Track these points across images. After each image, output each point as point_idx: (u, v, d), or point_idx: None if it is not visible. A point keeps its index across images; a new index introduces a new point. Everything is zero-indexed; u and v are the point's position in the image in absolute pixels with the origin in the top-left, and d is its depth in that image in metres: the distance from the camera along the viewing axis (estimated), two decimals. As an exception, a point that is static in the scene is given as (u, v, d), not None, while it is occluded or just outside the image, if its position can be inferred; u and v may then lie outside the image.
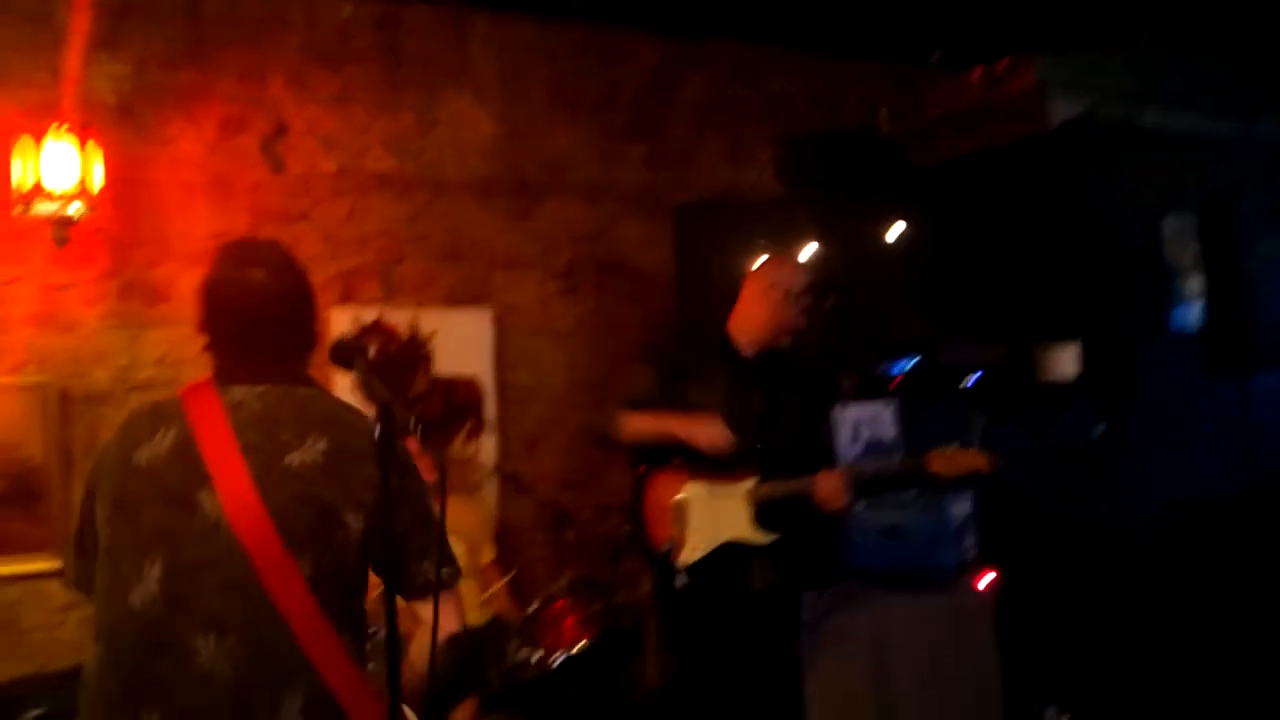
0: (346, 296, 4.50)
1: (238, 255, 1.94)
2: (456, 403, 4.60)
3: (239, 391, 1.80)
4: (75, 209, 3.71)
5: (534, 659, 3.36)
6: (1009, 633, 3.10)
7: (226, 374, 1.85)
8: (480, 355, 4.66)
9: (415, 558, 1.83)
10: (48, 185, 3.64)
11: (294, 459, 1.72)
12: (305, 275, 1.99)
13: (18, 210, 3.67)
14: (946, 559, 3.31)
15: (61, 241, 3.73)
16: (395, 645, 1.57)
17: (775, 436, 3.14)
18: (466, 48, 4.79)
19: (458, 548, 3.93)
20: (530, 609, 3.57)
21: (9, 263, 3.91)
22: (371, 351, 4.45)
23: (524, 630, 3.53)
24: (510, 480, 4.41)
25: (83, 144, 3.69)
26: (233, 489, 1.67)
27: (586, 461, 4.92)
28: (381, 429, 1.60)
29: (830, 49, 5.45)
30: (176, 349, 4.21)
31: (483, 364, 4.66)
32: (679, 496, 3.04)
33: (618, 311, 4.99)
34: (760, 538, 3.05)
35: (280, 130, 4.47)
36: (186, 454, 1.72)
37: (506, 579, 3.56)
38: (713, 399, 3.06)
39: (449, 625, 1.84)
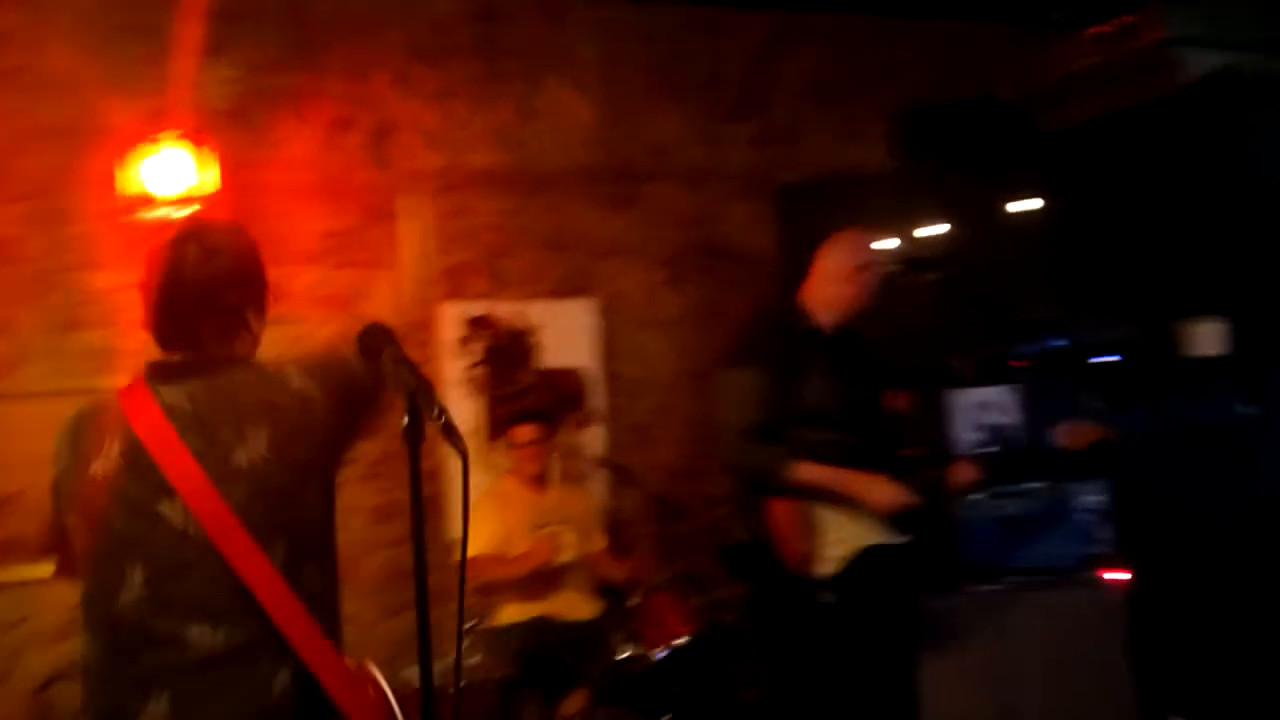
0: (454, 292, 4.53)
1: (187, 234, 1.90)
2: (563, 394, 4.59)
3: (169, 393, 1.77)
4: (181, 215, 3.82)
5: (635, 653, 3.31)
6: (1140, 632, 2.86)
7: (156, 371, 1.82)
8: (586, 346, 4.62)
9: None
10: (160, 191, 3.76)
11: (239, 458, 1.72)
12: (245, 257, 1.96)
13: (126, 216, 3.81)
14: (1072, 553, 3.08)
15: (173, 247, 3.85)
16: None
17: (879, 425, 2.99)
18: (565, 36, 4.74)
19: (568, 536, 3.96)
20: (632, 602, 3.53)
21: (132, 266, 4.06)
22: (480, 346, 4.49)
23: (625, 623, 3.49)
24: (615, 471, 4.36)
25: (197, 149, 3.79)
26: (196, 498, 1.69)
27: (697, 453, 4.83)
28: (409, 418, 1.64)
29: (944, 13, 5.18)
30: (294, 347, 4.30)
31: (589, 355, 4.62)
32: (807, 509, 2.83)
33: (725, 299, 4.86)
34: (896, 539, 2.89)
35: (385, 129, 4.52)
36: (139, 465, 1.73)
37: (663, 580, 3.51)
38: (825, 398, 2.90)
39: None
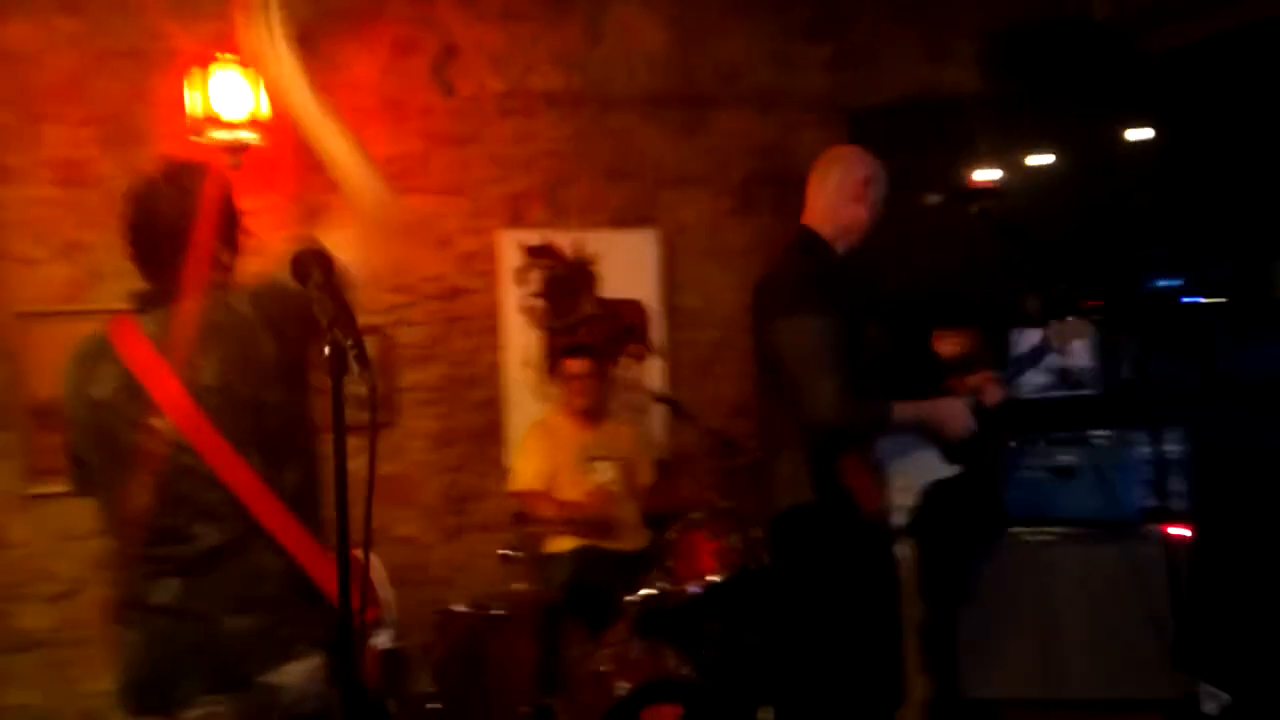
0: (514, 220, 4.48)
1: (162, 174, 2.06)
2: (622, 326, 4.53)
3: (149, 322, 1.97)
4: (249, 136, 3.85)
5: (668, 588, 3.28)
6: (1194, 592, 2.67)
7: (138, 301, 2.01)
8: (647, 278, 4.53)
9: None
10: (224, 113, 3.79)
11: (206, 377, 1.92)
12: (215, 197, 2.05)
13: (194, 138, 3.85)
14: (1125, 506, 2.90)
15: (236, 167, 3.89)
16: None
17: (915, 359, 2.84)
18: (632, -47, 4.57)
19: (613, 471, 3.93)
20: (668, 536, 3.49)
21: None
22: (537, 276, 4.45)
23: (660, 557, 3.46)
24: (669, 406, 4.29)
25: (250, 73, 3.80)
26: (179, 414, 1.90)
27: (758, 387, 4.74)
28: (330, 347, 1.68)
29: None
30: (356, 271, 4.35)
31: (649, 287, 4.53)
32: (877, 457, 2.67)
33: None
34: (951, 472, 2.75)
35: (449, 52, 4.46)
36: (130, 388, 1.93)
37: (701, 515, 3.45)
38: (880, 334, 2.75)
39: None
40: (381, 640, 2.22)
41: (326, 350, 1.66)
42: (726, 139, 4.67)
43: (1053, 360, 3.44)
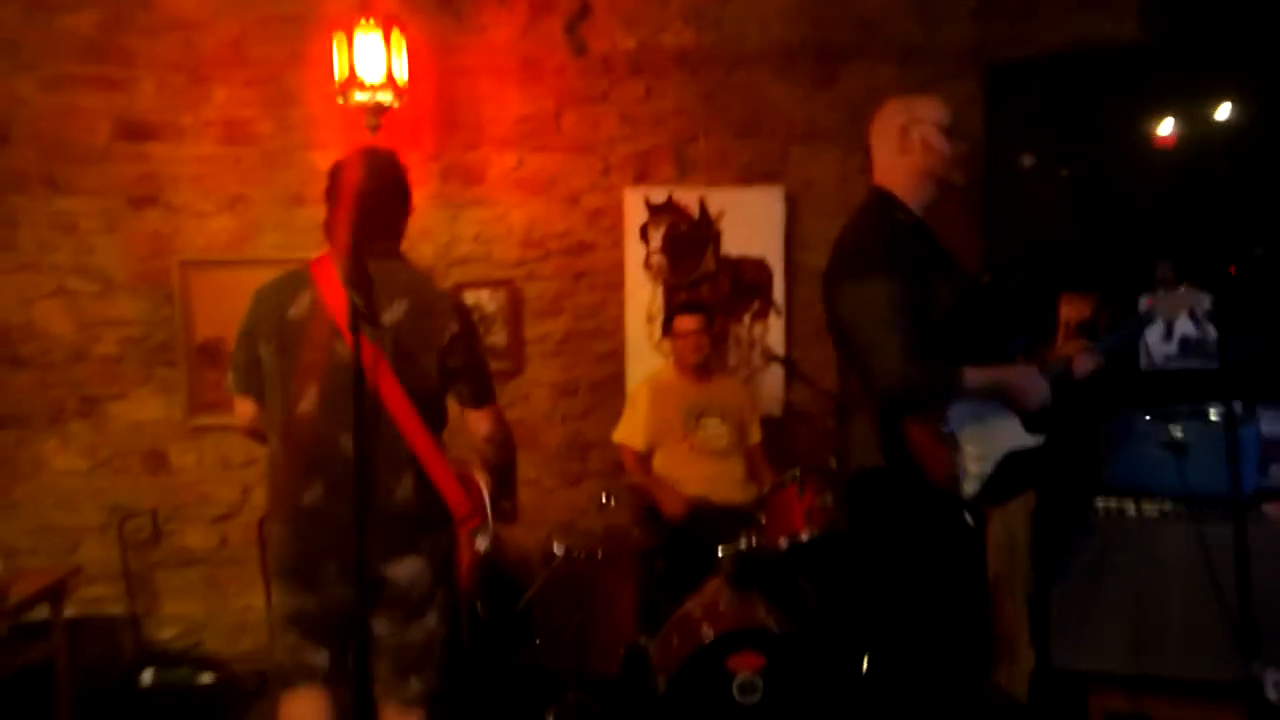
0: (641, 177, 4.54)
1: (358, 158, 2.54)
2: (744, 283, 4.53)
3: (343, 267, 2.34)
4: (386, 97, 4.06)
5: (758, 544, 3.30)
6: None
7: (339, 249, 2.43)
8: (771, 235, 4.50)
9: (462, 382, 2.53)
10: (365, 75, 4.00)
11: (387, 318, 2.36)
12: (403, 180, 2.59)
13: (339, 100, 4.09)
14: (1243, 484, 2.70)
15: (374, 128, 4.12)
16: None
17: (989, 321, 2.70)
18: (766, -99, 4.50)
19: (721, 428, 3.97)
20: (761, 493, 3.51)
21: (347, 147, 4.37)
22: (660, 232, 4.50)
23: (755, 512, 3.49)
24: (783, 365, 4.27)
25: (387, 37, 3.99)
26: (356, 339, 2.17)
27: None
28: (351, 309, 2.07)
29: None
30: (489, 228, 4.54)
31: (773, 244, 4.51)
32: (947, 425, 2.61)
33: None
34: (1033, 441, 2.66)
35: (584, 10, 4.54)
36: (321, 314, 2.41)
37: (795, 473, 3.46)
38: (955, 296, 2.65)
39: (480, 427, 2.58)
40: (481, 544, 2.49)
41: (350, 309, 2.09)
42: (860, 93, 4.54)
43: (1182, 330, 3.25)
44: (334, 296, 2.36)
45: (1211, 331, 3.09)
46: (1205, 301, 2.58)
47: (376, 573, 2.36)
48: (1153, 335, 3.25)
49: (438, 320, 2.42)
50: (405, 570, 2.41)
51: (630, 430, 4.09)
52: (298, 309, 2.42)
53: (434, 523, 2.44)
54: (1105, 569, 2.77)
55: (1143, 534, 2.76)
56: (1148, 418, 2.81)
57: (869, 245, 2.62)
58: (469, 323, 2.52)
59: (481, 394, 2.55)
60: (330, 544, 2.34)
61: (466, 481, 2.49)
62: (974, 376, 2.53)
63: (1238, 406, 2.96)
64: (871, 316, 2.50)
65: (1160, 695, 2.64)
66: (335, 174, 2.50)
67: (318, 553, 2.38)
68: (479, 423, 2.56)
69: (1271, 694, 1.96)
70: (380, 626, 2.43)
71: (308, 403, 2.38)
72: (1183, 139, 5.28)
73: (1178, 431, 2.72)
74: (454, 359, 2.45)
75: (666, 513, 3.84)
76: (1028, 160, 2.59)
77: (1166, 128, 5.67)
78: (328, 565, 2.37)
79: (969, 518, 2.50)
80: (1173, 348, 3.21)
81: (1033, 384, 2.58)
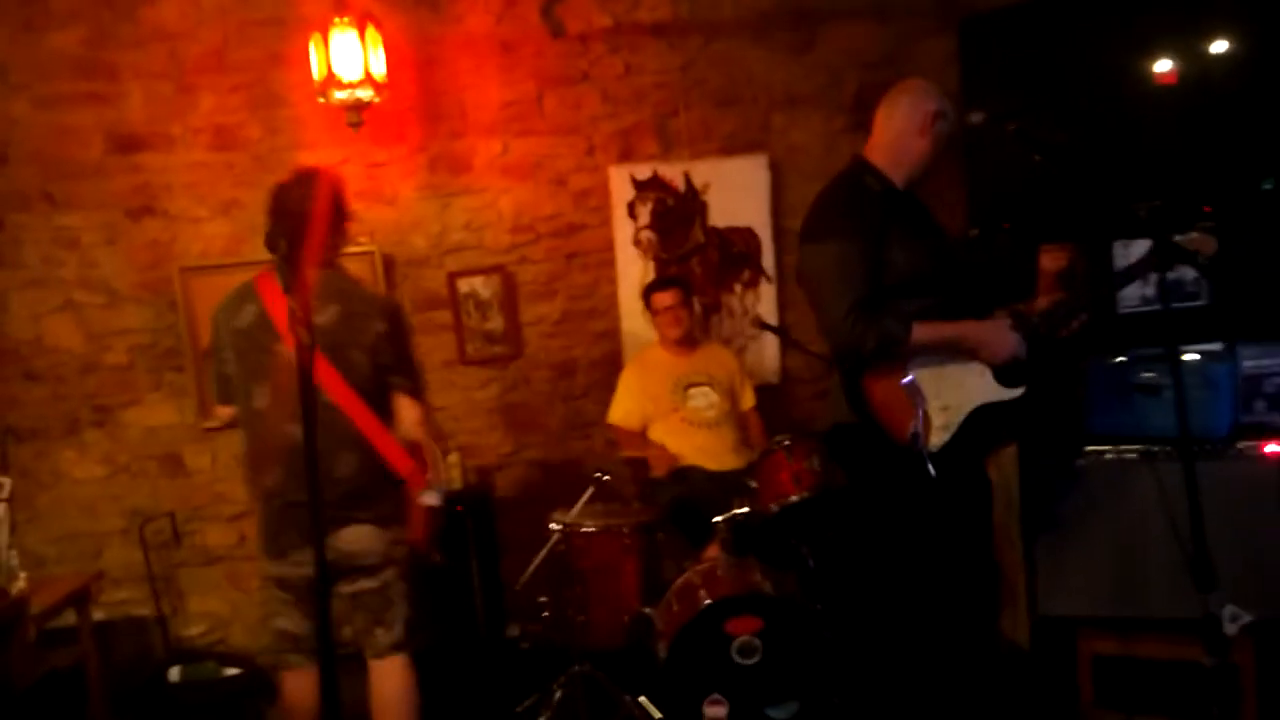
0: (625, 155, 4.57)
1: (294, 179, 2.81)
2: (734, 253, 4.56)
3: (283, 278, 2.74)
4: (365, 94, 4.11)
5: (749, 509, 3.36)
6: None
7: (278, 263, 2.81)
8: (758, 204, 4.53)
9: (393, 374, 2.84)
10: (341, 74, 4.06)
11: (319, 319, 2.61)
12: (337, 197, 2.82)
13: (320, 100, 4.15)
14: (1217, 423, 2.71)
15: (356, 125, 4.18)
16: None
17: (969, 282, 2.75)
18: None
19: (711, 397, 4.03)
20: (751, 459, 3.56)
21: (335, 145, 4.46)
22: (648, 209, 4.53)
23: (743, 480, 3.55)
24: (776, 333, 4.31)
25: (362, 34, 4.04)
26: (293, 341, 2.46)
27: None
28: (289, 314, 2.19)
29: None
30: (479, 215, 4.59)
31: (760, 213, 4.53)
32: (907, 379, 2.66)
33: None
34: (1007, 394, 2.70)
35: (558, -8, 4.56)
36: (264, 322, 2.75)
37: (782, 440, 3.52)
38: (918, 260, 2.69)
39: (413, 413, 2.85)
40: (428, 499, 2.79)
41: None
42: (839, 54, 4.55)
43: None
44: (275, 304, 2.72)
45: (1192, 271, 3.09)
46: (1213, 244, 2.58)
47: (328, 543, 2.50)
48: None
49: (366, 321, 2.76)
50: (354, 537, 2.76)
51: (623, 410, 4.16)
52: (242, 319, 2.78)
53: (378, 493, 2.78)
54: (1088, 515, 2.80)
55: (1123, 478, 2.78)
56: (1123, 360, 2.83)
57: (829, 210, 2.73)
58: (398, 323, 2.85)
59: (415, 388, 2.88)
60: (289, 520, 2.72)
61: (414, 450, 2.82)
62: (926, 332, 2.59)
63: (1216, 346, 2.98)
64: (823, 276, 2.63)
65: (1147, 636, 2.68)
66: (274, 194, 2.81)
67: (280, 528, 2.76)
68: (412, 410, 2.86)
69: (1230, 628, 1.99)
70: (344, 588, 2.80)
71: (262, 399, 2.74)
72: (1181, 75, 5.20)
73: (1151, 374, 2.73)
74: (383, 356, 2.78)
75: (655, 472, 3.93)
76: (975, 118, 2.60)
77: (1163, 65, 5.61)
78: (291, 538, 2.74)
79: (930, 469, 2.53)
80: (1150, 290, 3.21)
81: (997, 337, 2.62)
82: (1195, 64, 5.09)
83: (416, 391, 2.89)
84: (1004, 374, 2.64)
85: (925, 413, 2.62)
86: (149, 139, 4.45)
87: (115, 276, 4.48)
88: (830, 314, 2.69)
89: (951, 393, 2.66)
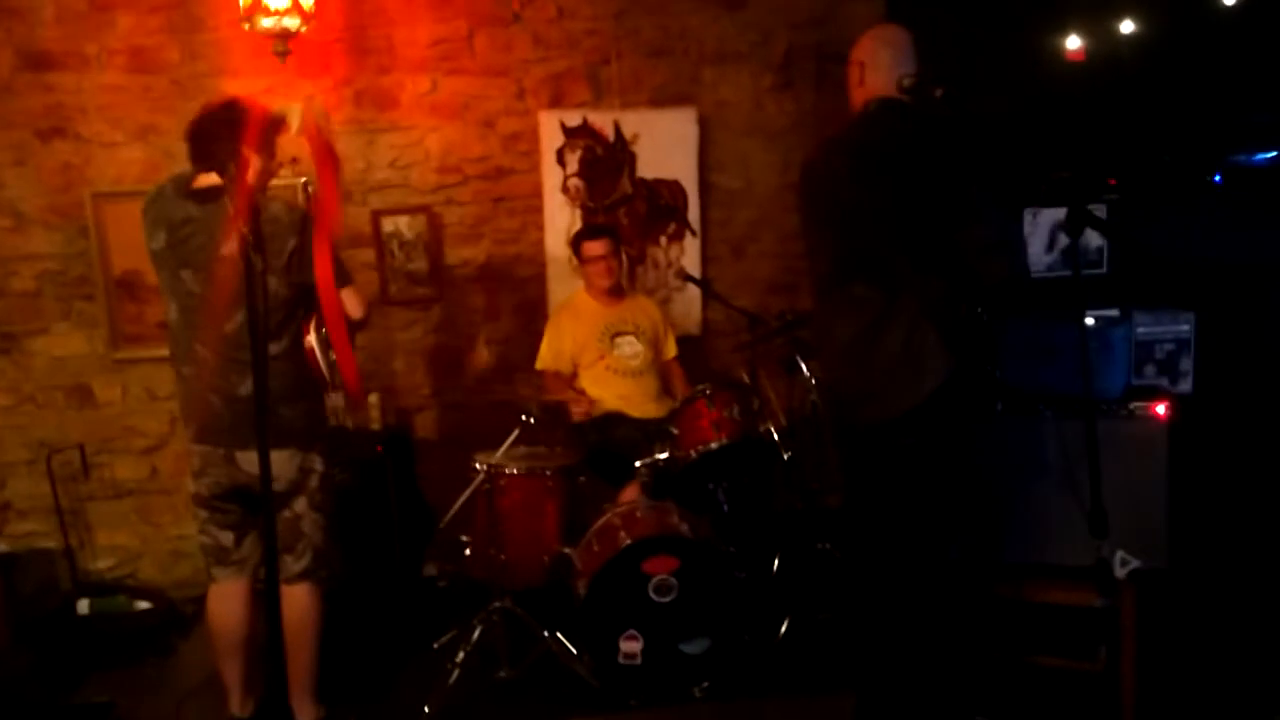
0: (556, 101, 4.57)
1: (210, 101, 2.91)
2: (660, 205, 4.62)
3: (191, 207, 2.84)
4: (293, 22, 4.02)
5: (669, 454, 3.46)
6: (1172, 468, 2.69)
7: (188, 190, 2.87)
8: (685, 157, 4.59)
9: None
10: (266, 1, 3.96)
11: (226, 250, 2.76)
12: (253, 117, 2.79)
13: (245, 26, 4.05)
14: (1112, 384, 2.90)
15: (282, 54, 4.09)
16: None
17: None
18: None
19: (636, 346, 4.10)
20: (672, 407, 3.66)
21: (258, 74, 4.36)
22: (576, 156, 4.55)
23: (664, 427, 3.65)
24: (699, 285, 4.40)
25: (293, -40, 3.94)
26: (202, 270, 2.80)
27: (797, 267, 4.79)
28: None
29: None
30: (405, 153, 4.55)
31: (687, 166, 4.59)
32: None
33: (841, 107, 4.62)
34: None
35: (493, -70, 4.50)
36: (173, 248, 2.85)
37: (705, 387, 3.60)
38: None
39: (350, 310, 2.91)
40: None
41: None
42: (770, 13, 4.61)
43: (1060, 238, 3.43)
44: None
45: (1096, 239, 3.26)
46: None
47: (238, 463, 2.88)
48: (1035, 246, 3.42)
49: (279, 243, 2.78)
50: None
51: (551, 355, 4.20)
52: (156, 244, 2.87)
53: (287, 419, 2.86)
54: (996, 469, 2.94)
55: (1018, 435, 2.95)
56: (1026, 324, 2.99)
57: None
58: (309, 231, 2.81)
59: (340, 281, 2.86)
60: (205, 408, 2.88)
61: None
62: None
63: (1113, 312, 3.16)
64: None
65: (1037, 580, 2.87)
66: (192, 123, 2.85)
67: (200, 413, 2.92)
68: (348, 302, 2.91)
69: (1119, 571, 2.16)
70: (257, 510, 2.94)
71: (173, 314, 2.91)
72: (1089, 53, 5.44)
73: (1051, 336, 2.90)
74: (299, 274, 2.81)
75: (574, 417, 3.99)
76: (907, 80, 2.68)
77: (1073, 43, 5.82)
78: (204, 453, 2.92)
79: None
80: (1054, 257, 3.39)
81: None
82: (1105, 43, 5.32)
83: (347, 283, 2.94)
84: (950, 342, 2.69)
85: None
86: (61, 58, 4.28)
87: (22, 200, 4.32)
88: None
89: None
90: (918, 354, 2.57)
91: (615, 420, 4.02)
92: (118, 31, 4.30)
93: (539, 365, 4.25)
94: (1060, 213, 3.05)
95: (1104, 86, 4.76)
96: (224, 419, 2.86)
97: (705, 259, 4.67)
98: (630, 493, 3.71)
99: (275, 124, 2.82)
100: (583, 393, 4.08)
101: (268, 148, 2.90)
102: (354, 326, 2.97)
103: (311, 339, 2.92)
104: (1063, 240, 3.32)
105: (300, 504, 2.97)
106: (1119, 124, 4.09)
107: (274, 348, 2.83)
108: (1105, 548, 2.22)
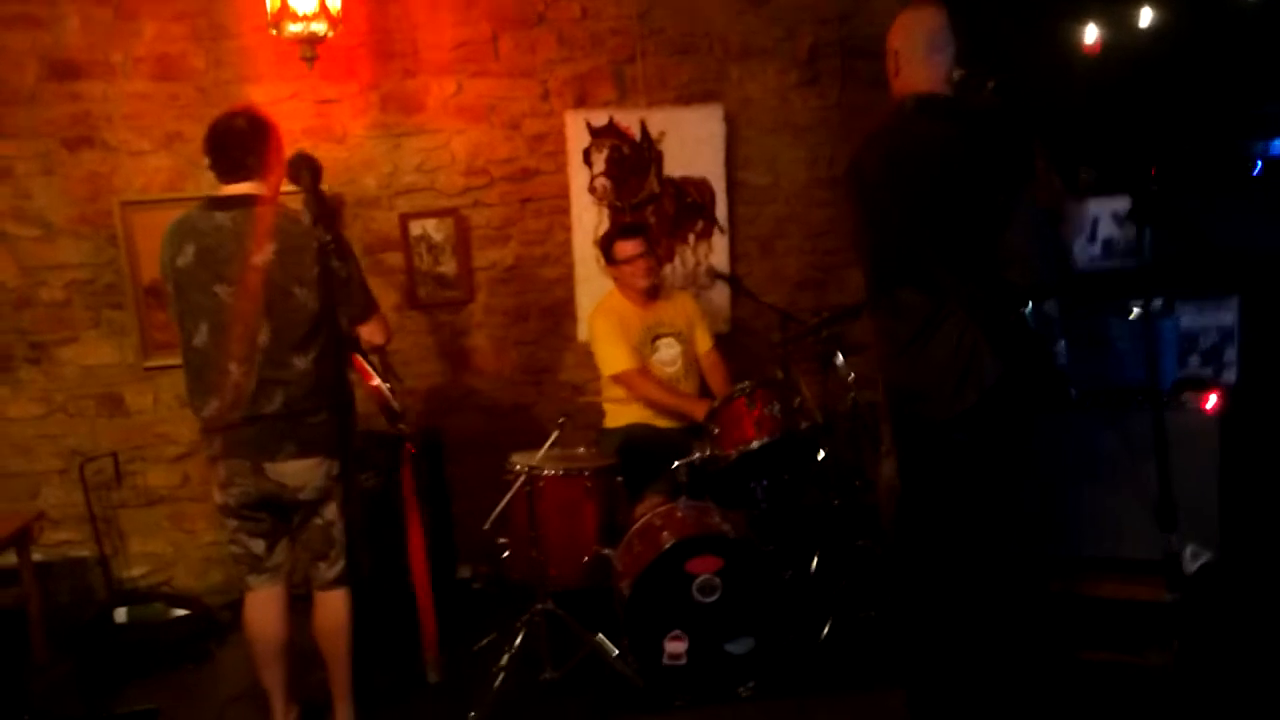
0: (581, 101, 4.55)
1: (231, 111, 2.96)
2: (688, 203, 4.61)
3: (220, 216, 2.85)
4: (320, 28, 4.01)
5: (710, 453, 3.44)
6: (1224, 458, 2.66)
7: (214, 202, 2.89)
8: (712, 154, 4.57)
9: (343, 305, 2.89)
10: (294, 6, 3.95)
11: (257, 259, 2.79)
12: (274, 128, 2.93)
13: (273, 32, 4.04)
14: (1162, 375, 2.88)
15: (310, 59, 4.07)
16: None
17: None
18: None
19: (675, 347, 4.08)
20: (712, 406, 3.64)
21: (283, 80, 4.35)
22: (603, 156, 4.53)
23: (705, 425, 3.63)
24: (728, 283, 4.38)
25: (324, -35, 3.93)
26: (235, 282, 2.81)
27: (826, 263, 4.77)
28: (319, 238, 2.44)
29: None
30: (432, 157, 4.54)
31: (714, 164, 4.57)
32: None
33: (867, 102, 4.63)
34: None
35: (516, -70, 4.49)
36: (205, 261, 2.85)
37: (746, 386, 3.57)
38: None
39: (373, 338, 3.02)
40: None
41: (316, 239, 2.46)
42: (797, 7, 4.59)
43: (1105, 231, 3.40)
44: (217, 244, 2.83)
45: (1130, 232, 3.23)
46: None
47: (266, 472, 2.88)
48: (1077, 238, 3.40)
49: (305, 256, 2.78)
50: (291, 471, 2.88)
51: (616, 356, 4.01)
52: (184, 258, 2.85)
53: (313, 428, 2.87)
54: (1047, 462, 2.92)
55: (1059, 429, 2.93)
56: (1072, 318, 2.96)
57: None
58: (338, 253, 2.79)
59: (361, 315, 2.95)
60: (230, 439, 2.88)
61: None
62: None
63: (1158, 303, 3.14)
64: None
65: (1087, 574, 2.85)
66: (211, 131, 2.91)
67: (220, 457, 2.93)
68: (369, 335, 3.00)
69: (1189, 566, 2.14)
70: (292, 520, 3.00)
71: (201, 337, 2.86)
72: (1107, 46, 5.41)
73: (1098, 329, 2.88)
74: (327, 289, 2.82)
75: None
76: (956, 73, 2.65)
77: (1091, 35, 5.79)
78: (231, 465, 2.91)
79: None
80: (1097, 249, 3.36)
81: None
82: (1124, 34, 5.26)
83: (364, 315, 2.96)
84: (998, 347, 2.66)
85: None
86: (87, 66, 4.27)
87: (51, 209, 4.31)
88: None
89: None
90: (966, 360, 2.56)
91: (641, 431, 3.99)
92: (143, 39, 4.29)
93: (615, 369, 4.02)
94: (1098, 204, 3.04)
95: (1123, 79, 4.70)
96: (250, 434, 2.87)
97: (734, 256, 4.66)
98: (646, 506, 3.68)
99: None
100: (693, 397, 4.00)
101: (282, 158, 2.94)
102: (376, 349, 3.05)
103: (376, 380, 2.98)
104: (1103, 232, 3.30)
105: (331, 510, 2.98)
106: (1147, 115, 4.06)
107: (301, 361, 2.85)
108: (1176, 540, 2.19)
